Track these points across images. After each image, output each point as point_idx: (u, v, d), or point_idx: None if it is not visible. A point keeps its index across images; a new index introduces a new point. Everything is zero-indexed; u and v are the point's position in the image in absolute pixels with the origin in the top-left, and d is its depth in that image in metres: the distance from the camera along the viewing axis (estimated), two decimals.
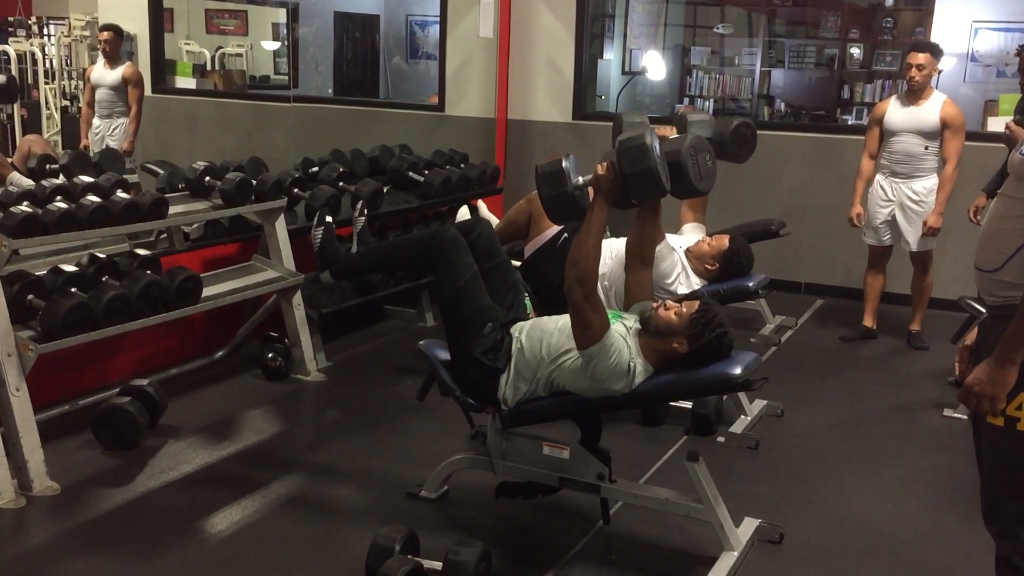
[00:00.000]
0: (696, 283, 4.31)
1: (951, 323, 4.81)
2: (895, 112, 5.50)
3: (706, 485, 3.09)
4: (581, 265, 2.98)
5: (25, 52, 11.13)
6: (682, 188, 3.31)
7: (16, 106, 10.72)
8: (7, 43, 11.19)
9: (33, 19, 12.18)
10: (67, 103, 10.95)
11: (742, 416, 4.31)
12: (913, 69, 5.37)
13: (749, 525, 3.29)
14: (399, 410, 4.38)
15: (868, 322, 5.83)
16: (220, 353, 4.91)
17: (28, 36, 11.79)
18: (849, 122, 8.82)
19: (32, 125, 10.83)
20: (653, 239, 3.51)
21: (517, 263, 4.25)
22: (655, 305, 3.14)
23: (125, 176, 4.19)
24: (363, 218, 3.72)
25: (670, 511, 3.22)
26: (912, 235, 5.53)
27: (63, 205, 3.61)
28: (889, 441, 4.35)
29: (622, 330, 3.12)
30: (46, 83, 10.93)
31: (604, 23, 8.78)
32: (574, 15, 7.21)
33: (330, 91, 10.94)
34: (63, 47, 11.06)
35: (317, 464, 3.86)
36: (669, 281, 4.21)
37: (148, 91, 8.84)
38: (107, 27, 7.54)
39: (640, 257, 3.47)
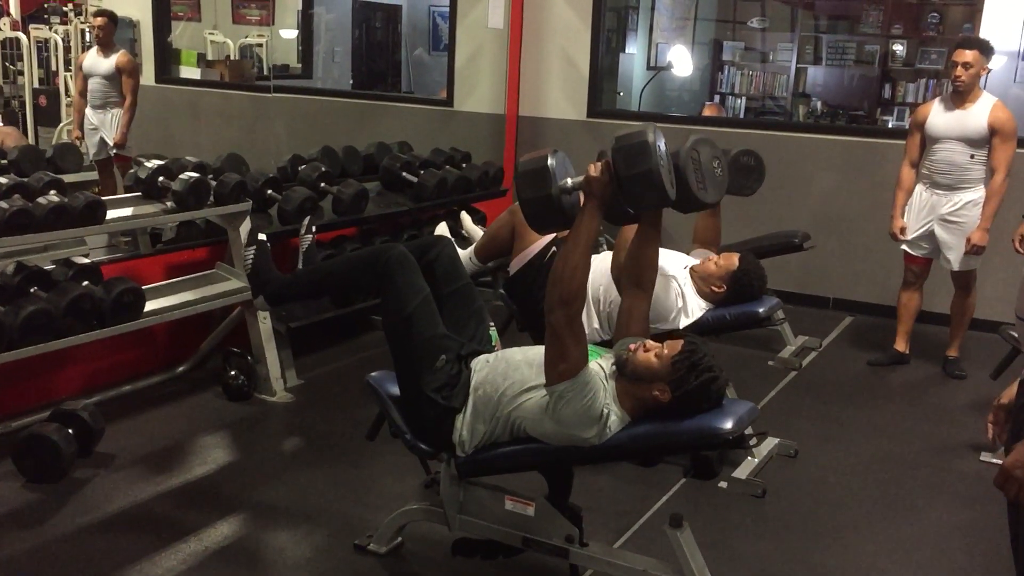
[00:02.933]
0: (700, 307, 3.81)
1: (993, 349, 4.29)
2: (938, 116, 4.93)
3: (691, 557, 2.62)
4: (566, 283, 2.54)
5: (48, 40, 10.85)
6: (681, 199, 2.84)
7: (30, 92, 10.53)
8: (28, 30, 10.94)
9: (69, 6, 11.88)
10: None
11: (749, 458, 3.83)
12: (959, 68, 4.80)
13: None
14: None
15: (900, 346, 5.28)
16: (181, 368, 4.52)
17: (63, 23, 11.52)
18: (889, 124, 8.26)
19: (51, 113, 10.59)
20: (653, 262, 2.96)
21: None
22: (633, 346, 2.66)
23: (62, 176, 3.75)
24: (310, 236, 3.28)
25: None
26: (954, 253, 4.96)
27: None
28: (916, 490, 3.83)
29: (599, 371, 2.67)
30: (67, 72, 10.64)
31: (627, 15, 8.28)
32: (591, 5, 6.68)
33: (349, 83, 10.57)
34: (79, 34, 10.75)
35: (262, 504, 3.44)
36: (671, 317, 3.70)
37: (152, 81, 8.54)
38: (101, 12, 7.19)
39: (637, 282, 2.95)
